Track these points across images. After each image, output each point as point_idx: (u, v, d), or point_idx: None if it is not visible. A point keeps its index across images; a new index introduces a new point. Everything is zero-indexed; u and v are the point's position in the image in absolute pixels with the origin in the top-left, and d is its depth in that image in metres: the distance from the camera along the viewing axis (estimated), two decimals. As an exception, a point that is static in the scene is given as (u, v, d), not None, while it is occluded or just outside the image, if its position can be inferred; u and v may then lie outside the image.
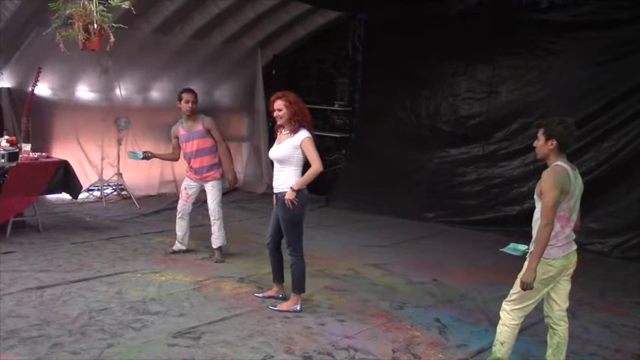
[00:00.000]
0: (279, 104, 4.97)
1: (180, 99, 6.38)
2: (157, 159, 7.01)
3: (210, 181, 6.43)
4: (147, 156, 6.54)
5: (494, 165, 8.92)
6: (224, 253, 6.62)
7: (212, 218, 6.48)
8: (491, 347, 4.13)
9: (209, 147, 6.39)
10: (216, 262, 6.46)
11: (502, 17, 8.56)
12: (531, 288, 3.74)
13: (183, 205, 6.58)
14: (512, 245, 4.21)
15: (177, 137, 6.48)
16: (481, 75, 9.02)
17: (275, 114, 5.01)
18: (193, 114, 6.37)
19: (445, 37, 9.08)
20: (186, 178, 6.58)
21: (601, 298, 6.04)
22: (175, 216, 6.69)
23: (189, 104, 6.31)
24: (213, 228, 6.50)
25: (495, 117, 8.90)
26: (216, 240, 6.51)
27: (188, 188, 6.54)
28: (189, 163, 6.46)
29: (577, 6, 8.10)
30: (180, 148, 6.51)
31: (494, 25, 8.62)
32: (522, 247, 4.08)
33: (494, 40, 8.71)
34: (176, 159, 6.71)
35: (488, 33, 8.69)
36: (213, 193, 6.44)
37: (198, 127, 6.37)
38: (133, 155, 6.59)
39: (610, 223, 7.88)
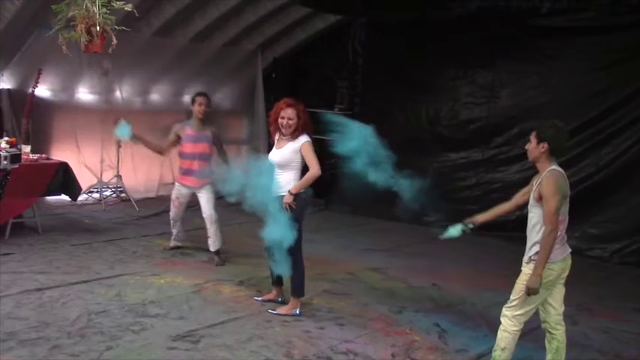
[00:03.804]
0: (290, 113, 4.97)
1: (193, 102, 6.43)
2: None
3: (204, 186, 6.44)
4: (133, 139, 6.38)
5: (494, 170, 8.92)
6: (224, 256, 6.63)
7: (208, 222, 6.49)
8: (490, 352, 4.12)
9: (211, 153, 6.45)
10: (217, 265, 6.47)
11: (502, 22, 8.57)
12: (537, 293, 3.76)
13: (177, 212, 6.68)
14: (450, 230, 4.38)
15: (179, 136, 6.43)
16: (481, 80, 9.03)
17: (284, 122, 4.98)
18: (205, 118, 6.42)
19: (445, 41, 9.08)
20: (178, 186, 6.61)
21: (600, 304, 6.04)
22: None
23: (203, 107, 6.36)
24: (209, 232, 6.51)
25: (495, 122, 8.90)
26: (214, 243, 6.53)
27: (180, 197, 6.59)
28: (186, 166, 6.42)
29: (577, 11, 8.11)
30: (173, 146, 6.52)
31: (494, 30, 8.63)
32: (458, 226, 4.40)
33: (495, 45, 8.71)
34: (163, 153, 6.71)
35: (488, 38, 8.70)
36: (207, 197, 6.45)
37: (208, 132, 6.41)
38: (122, 131, 6.21)
39: (609, 228, 7.88)
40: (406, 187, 4.71)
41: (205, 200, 6.45)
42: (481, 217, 4.39)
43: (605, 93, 7.97)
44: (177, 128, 6.47)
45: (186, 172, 6.46)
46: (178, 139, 6.45)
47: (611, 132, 7.96)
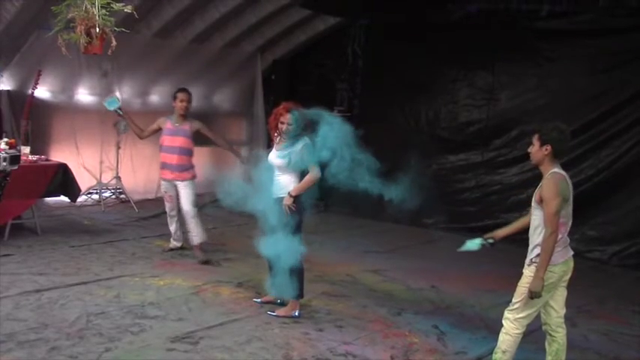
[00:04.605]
0: (289, 118, 4.97)
1: (175, 98, 6.52)
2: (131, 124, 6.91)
3: (182, 181, 6.50)
4: (119, 112, 6.62)
5: (493, 172, 8.93)
6: (222, 258, 6.63)
7: (186, 218, 6.56)
8: (489, 354, 4.13)
9: (190, 148, 6.55)
10: (200, 262, 6.48)
11: (502, 24, 8.58)
12: (539, 296, 3.75)
13: (171, 206, 6.73)
14: (467, 243, 4.31)
15: (160, 128, 6.60)
16: (481, 82, 9.04)
17: (284, 127, 4.98)
18: (186, 114, 6.51)
19: (445, 43, 9.09)
20: (162, 181, 6.72)
21: (600, 306, 6.04)
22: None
23: (184, 103, 6.47)
24: (189, 227, 6.57)
25: (495, 124, 8.91)
26: (195, 237, 6.56)
27: (168, 191, 6.67)
28: (166, 160, 6.52)
29: (577, 14, 8.13)
30: (153, 133, 6.69)
31: (494, 33, 8.64)
32: (477, 240, 4.26)
33: (494, 47, 8.72)
34: (141, 137, 6.82)
35: (488, 40, 8.71)
36: (186, 192, 6.51)
37: (186, 126, 6.50)
38: (110, 102, 6.56)
39: (609, 230, 7.88)
40: (391, 191, 4.69)
41: (184, 195, 6.52)
42: (501, 232, 4.30)
43: (604, 95, 7.98)
44: (161, 121, 6.63)
45: (165, 166, 6.56)
46: (159, 130, 6.61)
47: (611, 134, 7.97)
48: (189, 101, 6.49)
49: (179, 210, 6.67)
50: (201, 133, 6.59)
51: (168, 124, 6.54)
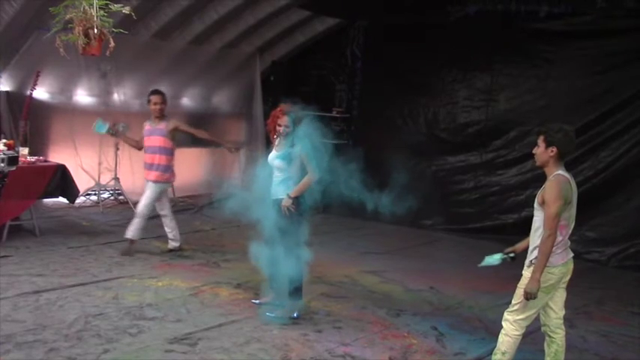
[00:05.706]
0: (287, 121, 4.98)
1: (149, 101, 6.62)
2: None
3: (154, 181, 6.57)
4: (111, 132, 6.70)
5: (492, 173, 8.93)
6: (221, 259, 6.62)
7: (135, 213, 6.62)
8: (488, 356, 4.12)
9: (169, 148, 6.62)
10: (122, 254, 6.54)
11: (501, 26, 8.59)
12: (535, 297, 3.74)
13: (160, 205, 6.80)
14: (487, 259, 4.25)
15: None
16: (479, 83, 9.05)
17: (281, 129, 4.99)
18: (161, 115, 6.58)
19: (444, 45, 9.10)
20: (146, 182, 6.79)
21: (598, 308, 6.04)
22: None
23: (157, 106, 6.56)
24: (133, 220, 6.61)
25: (493, 125, 8.92)
26: (130, 231, 6.59)
27: None
28: (148, 160, 6.62)
29: (575, 15, 8.14)
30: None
31: (492, 34, 8.65)
32: (496, 255, 4.18)
33: (493, 48, 8.75)
34: (138, 148, 6.90)
35: (486, 41, 8.73)
36: (149, 193, 6.60)
37: (161, 126, 6.58)
38: (99, 126, 6.64)
39: (607, 232, 7.89)
40: (378, 200, 4.71)
41: (145, 195, 6.61)
42: (521, 245, 4.17)
43: (603, 96, 8.00)
44: (144, 124, 6.73)
45: (146, 167, 6.65)
46: None
47: (609, 135, 7.98)
48: (162, 102, 6.57)
49: (169, 208, 6.77)
50: (181, 130, 6.67)
51: (147, 126, 6.66)
